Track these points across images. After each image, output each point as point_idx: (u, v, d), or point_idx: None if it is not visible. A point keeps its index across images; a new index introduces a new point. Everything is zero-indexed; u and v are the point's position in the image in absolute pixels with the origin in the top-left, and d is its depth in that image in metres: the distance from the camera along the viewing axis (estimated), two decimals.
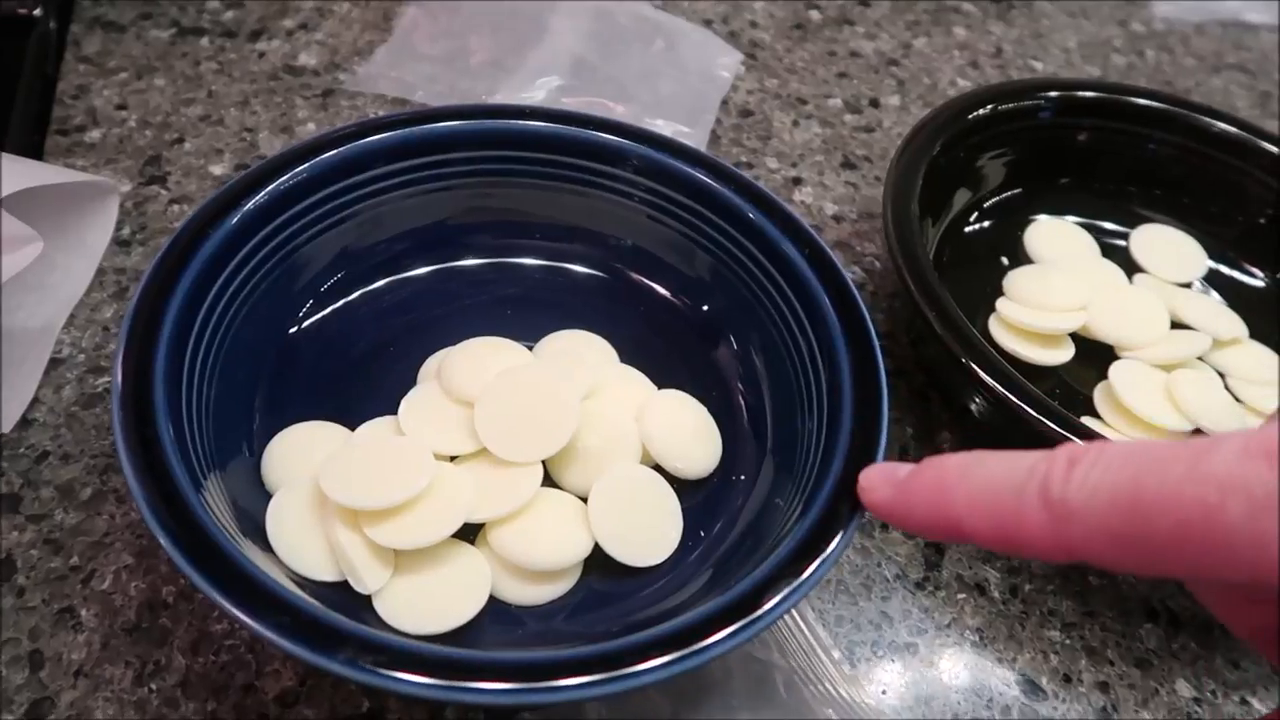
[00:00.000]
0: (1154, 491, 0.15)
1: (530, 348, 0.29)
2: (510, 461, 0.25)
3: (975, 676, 0.27)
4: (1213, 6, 0.56)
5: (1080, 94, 0.37)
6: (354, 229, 0.30)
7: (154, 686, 0.24)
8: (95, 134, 0.37)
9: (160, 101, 0.39)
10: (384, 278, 0.31)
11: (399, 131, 0.29)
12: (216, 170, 0.37)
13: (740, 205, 0.29)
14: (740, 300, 0.30)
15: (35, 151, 0.36)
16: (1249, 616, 0.20)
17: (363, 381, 0.29)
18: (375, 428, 0.26)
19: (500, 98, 0.41)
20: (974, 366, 0.28)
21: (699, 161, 0.30)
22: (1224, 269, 0.38)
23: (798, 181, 0.41)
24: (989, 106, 0.36)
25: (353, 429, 0.27)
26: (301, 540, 0.24)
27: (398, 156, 0.29)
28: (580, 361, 0.29)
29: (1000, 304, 0.34)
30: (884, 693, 0.26)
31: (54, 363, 0.30)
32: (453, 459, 0.26)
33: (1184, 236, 0.38)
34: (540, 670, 0.20)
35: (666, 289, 0.31)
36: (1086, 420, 0.30)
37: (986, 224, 0.38)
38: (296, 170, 0.27)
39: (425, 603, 0.24)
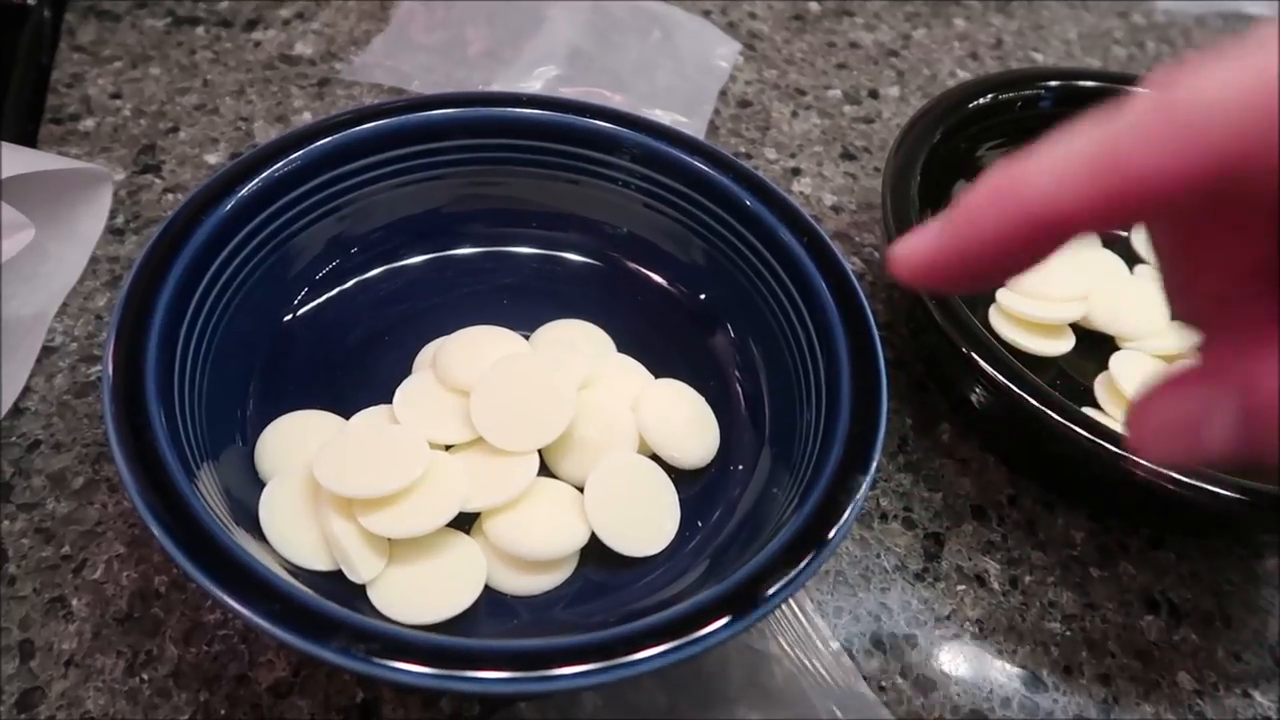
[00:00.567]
0: None
1: (526, 337, 0.29)
2: (506, 450, 0.25)
3: (975, 668, 0.27)
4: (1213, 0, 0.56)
5: (1081, 83, 0.37)
6: (348, 217, 0.29)
7: (146, 677, 0.23)
8: (90, 123, 0.37)
9: (155, 90, 0.39)
10: (379, 266, 0.30)
11: (392, 119, 0.28)
12: (211, 159, 0.36)
13: (738, 193, 0.29)
14: (738, 289, 0.29)
15: (29, 140, 0.36)
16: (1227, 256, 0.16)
17: (357, 370, 0.28)
18: (370, 416, 0.26)
19: (497, 88, 0.41)
20: (975, 357, 0.27)
21: (695, 149, 0.29)
22: None
23: (796, 172, 0.40)
24: (989, 96, 0.35)
25: (347, 418, 0.26)
26: (295, 529, 0.24)
27: (391, 144, 0.29)
28: (577, 351, 0.29)
29: (1000, 294, 0.33)
30: (882, 685, 0.26)
31: (46, 351, 0.30)
32: (448, 448, 0.26)
33: None
34: (536, 659, 0.20)
35: (663, 277, 0.31)
36: (1087, 411, 0.30)
37: None
38: (290, 158, 0.27)
39: (420, 592, 0.23)
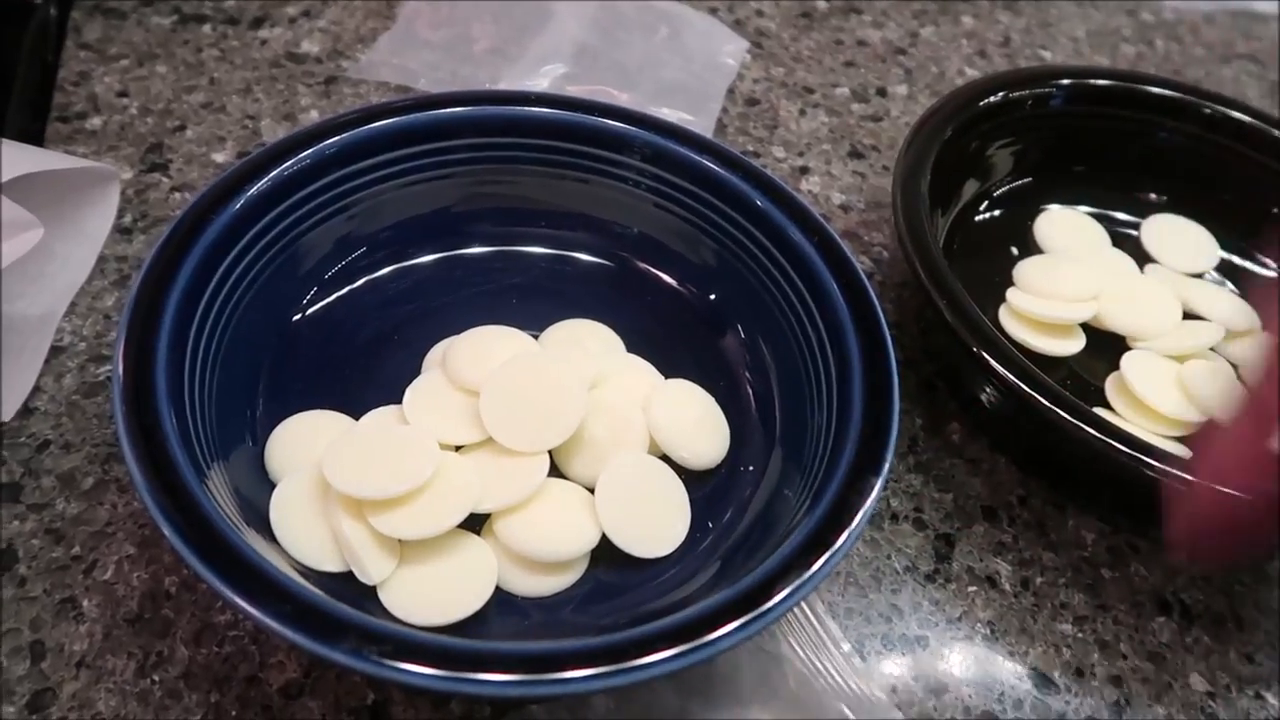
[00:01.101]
0: None
1: (535, 336, 0.29)
2: (516, 451, 0.25)
3: (987, 670, 0.27)
4: None
5: (1092, 82, 0.37)
6: (357, 216, 0.29)
7: (156, 678, 0.23)
8: (96, 121, 0.37)
9: (162, 89, 0.38)
10: (388, 265, 0.30)
11: (402, 118, 0.28)
12: (219, 158, 0.36)
13: (747, 192, 0.28)
14: (747, 289, 0.29)
15: (36, 139, 0.36)
16: None
17: (366, 370, 0.28)
18: (380, 417, 0.26)
19: (504, 86, 0.40)
20: (986, 356, 0.27)
21: (705, 148, 0.29)
22: (1236, 259, 0.37)
23: (805, 171, 0.40)
24: (1000, 94, 0.35)
25: (357, 418, 0.26)
26: (306, 530, 0.24)
27: (401, 143, 0.28)
28: (586, 350, 0.29)
29: (1011, 294, 0.33)
30: (894, 686, 0.26)
31: (55, 351, 0.29)
32: (458, 448, 0.26)
33: (1195, 227, 0.38)
34: (547, 662, 0.20)
35: (673, 277, 0.31)
36: (1098, 411, 0.30)
37: (996, 213, 0.37)
38: (299, 156, 0.27)
39: (431, 594, 0.23)
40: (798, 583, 0.21)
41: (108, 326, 0.30)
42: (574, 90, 0.41)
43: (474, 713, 0.24)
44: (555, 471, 0.26)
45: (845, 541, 0.22)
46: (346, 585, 0.23)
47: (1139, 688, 0.27)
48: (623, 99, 0.41)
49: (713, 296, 0.30)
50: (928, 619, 0.28)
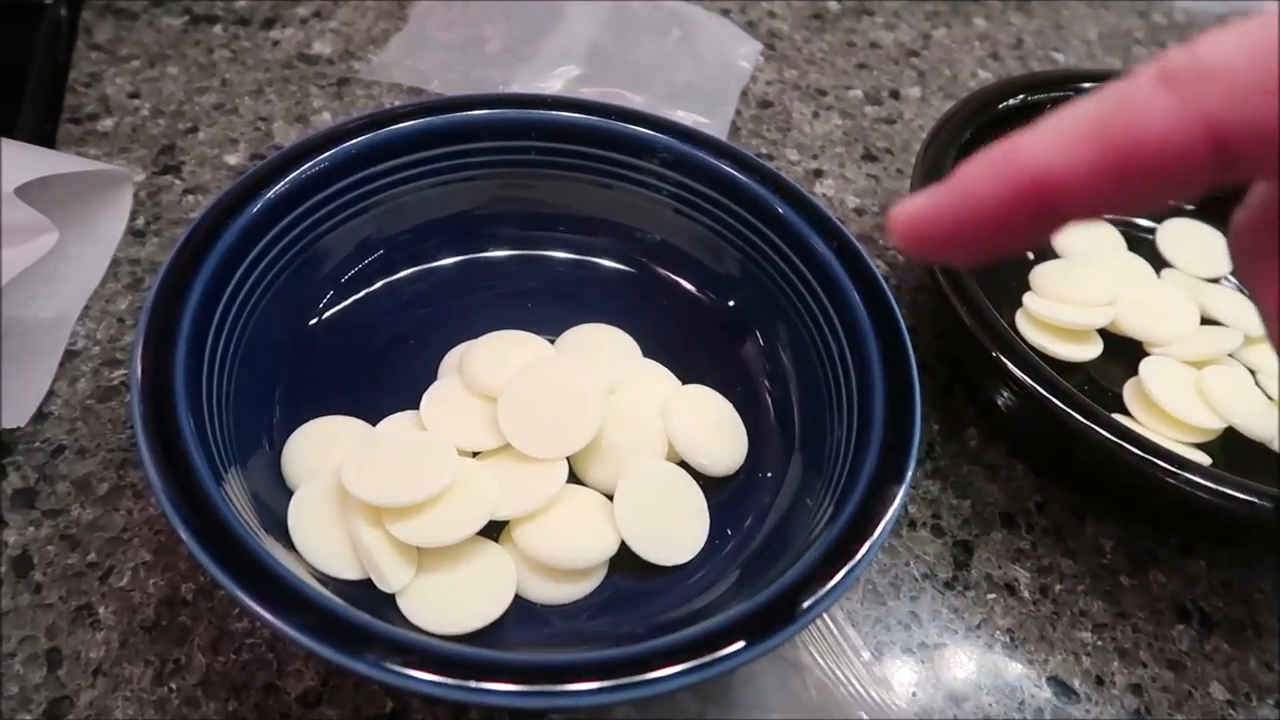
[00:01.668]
0: None
1: (552, 341, 0.29)
2: (535, 458, 0.25)
3: (1006, 678, 0.27)
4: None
5: None
6: (376, 219, 0.29)
7: (174, 686, 0.23)
8: (108, 123, 0.37)
9: (174, 90, 0.38)
10: (405, 269, 0.30)
11: (423, 120, 0.28)
12: (231, 160, 0.36)
13: (767, 198, 0.28)
14: (767, 295, 0.29)
15: (48, 140, 0.35)
16: None
17: (383, 374, 0.28)
18: (397, 422, 0.26)
19: (516, 87, 0.40)
20: (1005, 360, 0.27)
21: (725, 153, 0.29)
22: None
23: (819, 174, 0.40)
24: (1019, 97, 0.35)
25: (374, 423, 0.26)
26: (324, 537, 0.23)
27: (421, 145, 0.28)
28: (602, 355, 0.28)
29: (1027, 299, 0.33)
30: (914, 694, 0.26)
31: (69, 355, 0.29)
32: (475, 455, 0.26)
33: (1211, 231, 0.37)
34: (567, 673, 0.19)
35: (691, 283, 0.31)
36: (1116, 417, 0.30)
37: None
38: (318, 159, 0.27)
39: (450, 602, 0.23)
40: (819, 594, 0.21)
41: (121, 330, 0.30)
42: (587, 92, 0.41)
43: None
44: (573, 478, 0.26)
45: (868, 552, 0.22)
46: (365, 593, 0.23)
47: (1159, 696, 0.27)
48: (636, 101, 0.41)
49: (731, 303, 0.30)
50: (947, 626, 0.27)
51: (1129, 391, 0.32)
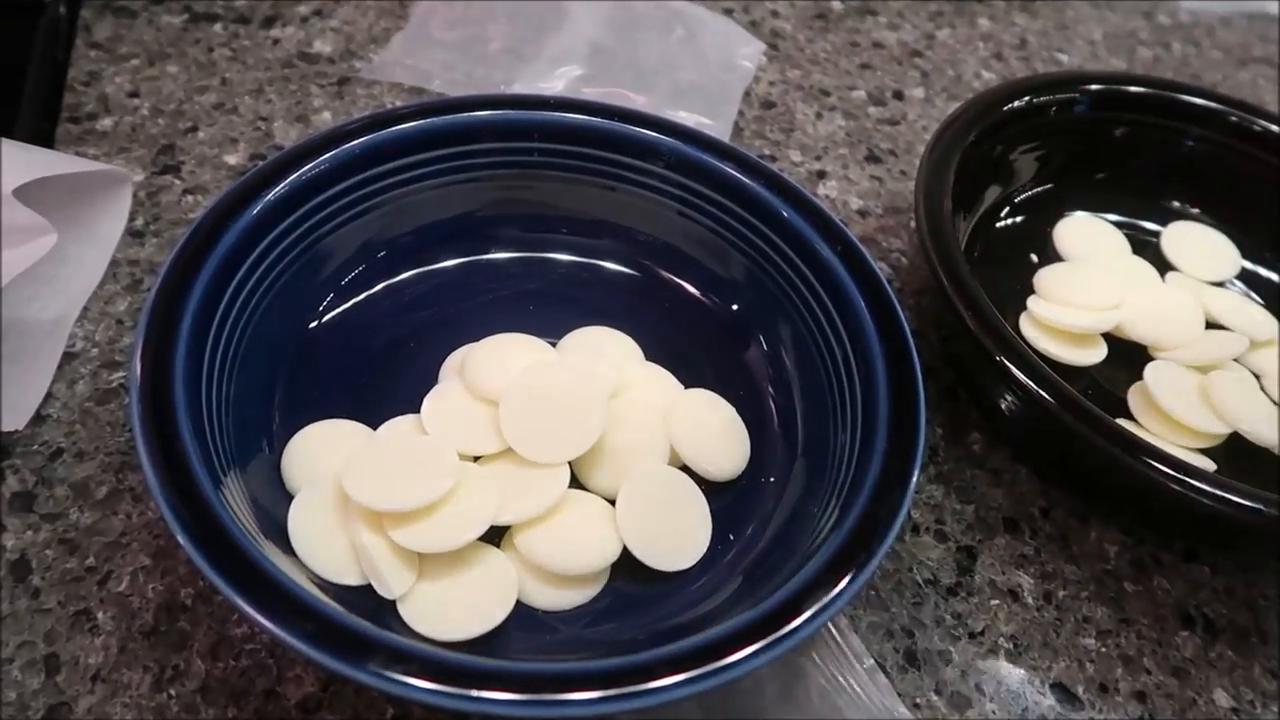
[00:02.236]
0: None
1: (554, 344, 0.28)
2: (536, 462, 0.25)
3: (1010, 685, 0.26)
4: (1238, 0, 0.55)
5: (1118, 88, 0.36)
6: (376, 221, 0.29)
7: (173, 692, 0.23)
8: (107, 122, 0.36)
9: (173, 89, 0.38)
10: (407, 270, 0.30)
11: (426, 120, 0.28)
12: (231, 160, 0.36)
13: (772, 201, 0.28)
14: (771, 299, 0.29)
15: (46, 139, 0.35)
16: None
17: (384, 378, 0.28)
18: (397, 427, 0.26)
19: (519, 86, 0.40)
20: (1009, 364, 0.27)
21: (728, 156, 0.29)
22: (1260, 269, 0.37)
23: (822, 175, 0.40)
24: (1024, 99, 0.35)
25: (374, 426, 0.26)
26: (324, 542, 0.23)
27: (424, 146, 0.28)
28: (605, 358, 0.28)
29: (1032, 302, 0.33)
30: (917, 701, 0.26)
31: (67, 357, 0.29)
32: (477, 459, 0.25)
33: (1216, 234, 0.37)
34: (571, 682, 0.19)
35: (695, 286, 0.31)
36: (1120, 422, 0.30)
37: (1017, 220, 0.37)
38: (318, 160, 0.27)
39: (451, 608, 0.23)
40: (824, 602, 0.21)
41: (120, 332, 0.30)
42: (589, 92, 0.40)
43: None
44: (575, 483, 0.26)
45: (873, 559, 0.22)
46: (365, 599, 0.23)
47: (1163, 703, 0.27)
48: (639, 101, 0.40)
49: (735, 306, 0.30)
50: (950, 633, 0.27)
51: (1133, 396, 0.32)
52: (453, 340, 0.28)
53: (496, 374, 0.26)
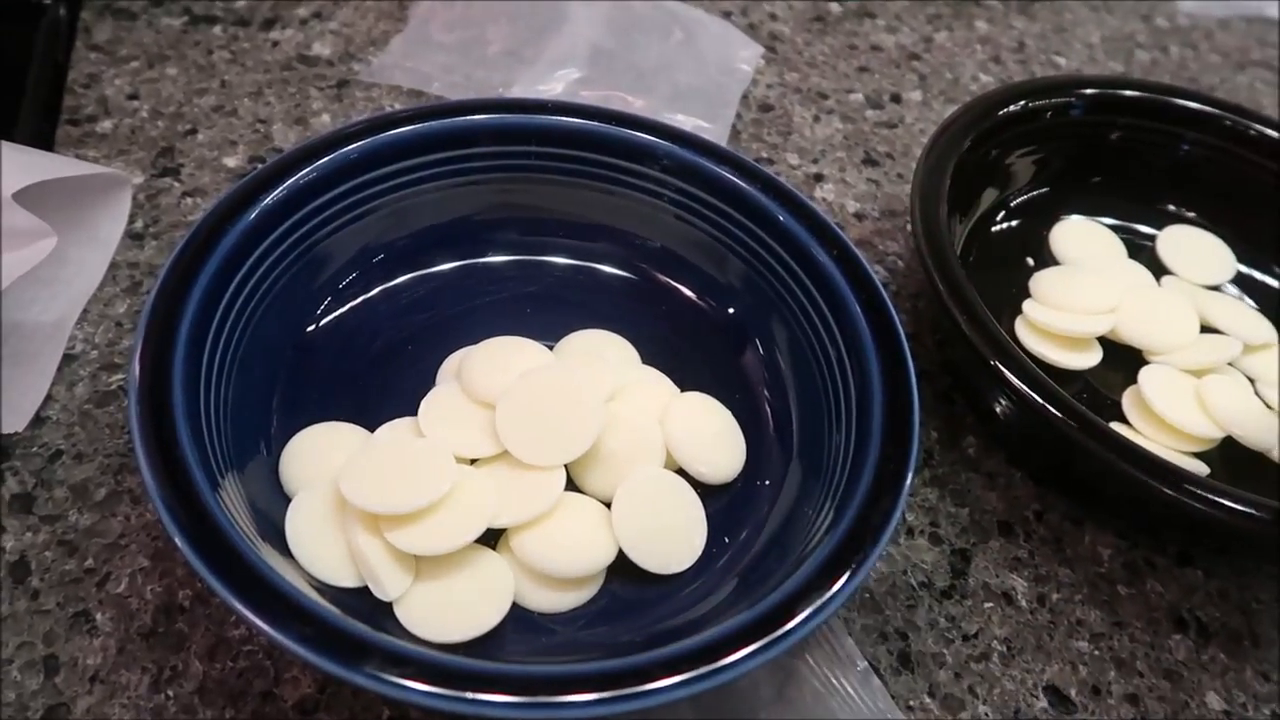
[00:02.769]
0: None
1: (550, 347, 0.29)
2: (533, 465, 0.25)
3: (1003, 687, 0.27)
4: (1236, 3, 0.55)
5: (1114, 92, 0.37)
6: (375, 224, 0.29)
7: (171, 693, 0.23)
8: (107, 124, 0.36)
9: (172, 91, 0.38)
10: (404, 274, 0.30)
11: (422, 125, 0.28)
12: (230, 162, 0.36)
13: (769, 206, 0.28)
14: (767, 303, 0.29)
15: (46, 141, 0.35)
16: None
17: (381, 381, 0.28)
18: (395, 429, 0.26)
19: (518, 89, 0.40)
20: (1002, 369, 0.27)
21: (725, 160, 0.29)
22: (1255, 273, 0.37)
23: (819, 178, 0.40)
24: (1020, 103, 0.35)
25: (371, 429, 0.26)
26: (321, 545, 0.23)
27: (420, 150, 0.28)
28: (601, 361, 0.28)
29: (1027, 306, 0.33)
30: (910, 704, 0.26)
31: (67, 359, 0.29)
32: (473, 462, 0.25)
33: (1211, 238, 0.37)
34: (566, 684, 0.19)
35: (691, 290, 0.31)
36: (1115, 426, 0.30)
37: (1013, 223, 0.37)
38: (317, 164, 0.27)
39: (447, 610, 0.23)
40: (818, 604, 0.21)
41: (119, 334, 0.30)
42: (588, 95, 0.41)
43: None
44: (571, 485, 0.26)
45: (866, 562, 0.22)
46: (362, 601, 0.23)
47: (1155, 706, 0.27)
48: (637, 104, 0.40)
49: (731, 310, 0.30)
50: (943, 635, 0.27)
51: (1128, 400, 0.32)
52: (450, 343, 0.28)
53: (493, 377, 0.26)
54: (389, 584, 0.23)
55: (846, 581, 0.21)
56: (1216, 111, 0.37)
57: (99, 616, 0.24)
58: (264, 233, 0.26)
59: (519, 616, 0.24)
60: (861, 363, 0.26)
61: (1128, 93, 0.37)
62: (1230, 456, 0.31)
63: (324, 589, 0.23)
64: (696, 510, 0.26)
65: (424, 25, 0.43)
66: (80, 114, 0.37)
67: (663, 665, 0.20)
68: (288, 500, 0.24)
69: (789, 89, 0.44)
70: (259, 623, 0.19)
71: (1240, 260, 0.37)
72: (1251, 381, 0.33)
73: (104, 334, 0.30)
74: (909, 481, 0.23)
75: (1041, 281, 0.34)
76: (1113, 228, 0.37)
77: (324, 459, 0.25)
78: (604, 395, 0.26)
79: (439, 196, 0.29)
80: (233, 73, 0.39)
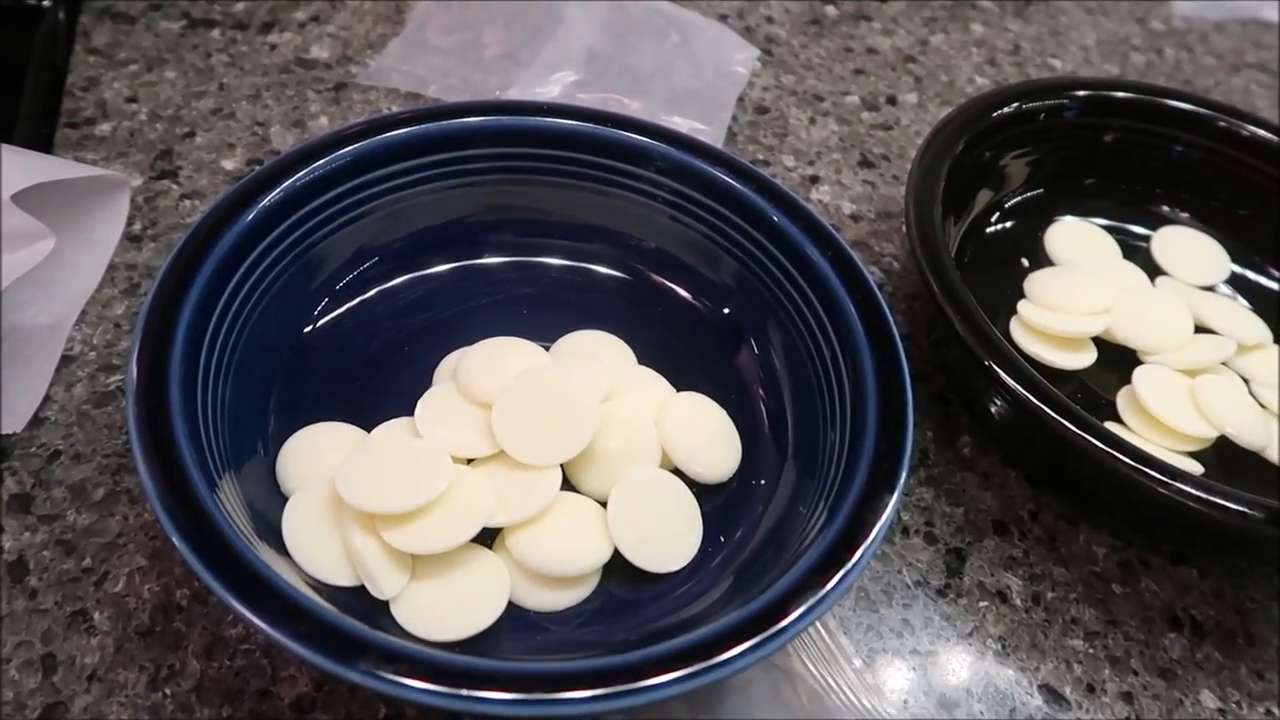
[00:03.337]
0: None
1: (547, 348, 0.29)
2: (529, 465, 0.25)
3: (998, 685, 0.27)
4: (1232, 5, 0.56)
5: (1107, 94, 0.37)
6: (371, 226, 0.29)
7: (168, 692, 0.23)
8: (105, 127, 0.37)
9: (171, 94, 0.38)
10: (401, 275, 0.30)
11: (419, 127, 0.28)
12: (228, 165, 0.36)
13: (763, 207, 0.28)
14: (762, 303, 0.29)
15: (45, 144, 0.36)
16: None
17: (378, 381, 0.28)
18: (391, 429, 0.26)
19: (514, 92, 0.40)
20: (997, 369, 0.27)
21: (720, 161, 0.29)
22: (1249, 273, 0.37)
23: (815, 180, 0.40)
24: (1014, 105, 0.35)
25: (368, 430, 0.26)
26: (318, 544, 0.24)
27: (417, 152, 0.28)
28: (597, 362, 0.28)
29: (1022, 306, 0.33)
30: (905, 702, 0.26)
31: (65, 360, 0.29)
32: (470, 462, 0.26)
33: (1206, 239, 0.38)
34: (561, 681, 0.19)
35: (687, 290, 0.31)
36: (1109, 426, 0.30)
37: (1008, 224, 0.37)
38: (313, 166, 0.27)
39: (444, 609, 0.23)
40: (812, 601, 0.21)
41: (118, 335, 0.30)
42: (584, 97, 0.41)
43: None
44: (567, 485, 0.26)
45: (860, 559, 0.22)
46: (359, 600, 0.23)
47: (1150, 704, 0.27)
48: (634, 107, 0.41)
49: (727, 310, 0.30)
50: (939, 634, 0.28)
51: (1122, 400, 0.32)
52: (446, 344, 0.29)
53: (490, 377, 0.26)
54: (385, 583, 0.23)
55: (840, 580, 0.22)
56: (1210, 113, 0.37)
57: (97, 615, 0.24)
58: (261, 234, 0.26)
59: (515, 615, 0.24)
60: (856, 362, 0.26)
61: (1121, 94, 0.37)
62: (1225, 456, 0.31)
63: (321, 588, 0.23)
64: (692, 510, 0.26)
65: (421, 29, 0.43)
66: (79, 116, 0.37)
67: (657, 663, 0.20)
68: (285, 500, 0.24)
69: (785, 91, 0.44)
70: (256, 621, 0.19)
71: (1234, 261, 0.37)
72: (1246, 381, 0.33)
73: (102, 335, 0.30)
74: (903, 480, 0.23)
75: (1036, 282, 0.34)
76: (1107, 229, 0.37)
77: (321, 459, 0.25)
78: (600, 395, 0.27)
79: (436, 198, 0.30)
80: (231, 76, 0.40)
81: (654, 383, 0.28)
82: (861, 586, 0.28)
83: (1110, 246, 0.37)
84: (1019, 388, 0.27)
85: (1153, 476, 0.25)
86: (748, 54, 0.45)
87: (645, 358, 0.29)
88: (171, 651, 0.24)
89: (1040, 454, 0.31)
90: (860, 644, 0.27)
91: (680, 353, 0.30)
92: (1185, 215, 0.38)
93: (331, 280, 0.29)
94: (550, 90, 0.41)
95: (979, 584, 0.29)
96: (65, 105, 0.37)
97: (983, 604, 0.28)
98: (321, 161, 0.27)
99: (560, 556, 0.24)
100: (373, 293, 0.30)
